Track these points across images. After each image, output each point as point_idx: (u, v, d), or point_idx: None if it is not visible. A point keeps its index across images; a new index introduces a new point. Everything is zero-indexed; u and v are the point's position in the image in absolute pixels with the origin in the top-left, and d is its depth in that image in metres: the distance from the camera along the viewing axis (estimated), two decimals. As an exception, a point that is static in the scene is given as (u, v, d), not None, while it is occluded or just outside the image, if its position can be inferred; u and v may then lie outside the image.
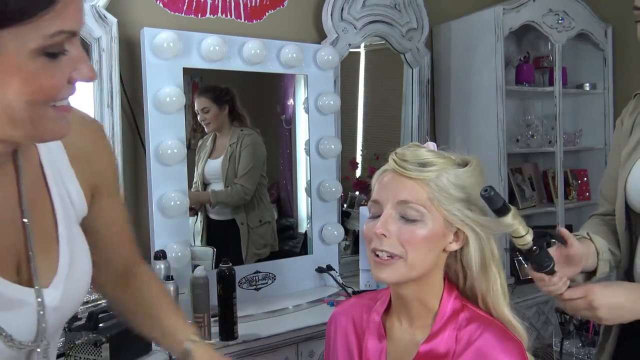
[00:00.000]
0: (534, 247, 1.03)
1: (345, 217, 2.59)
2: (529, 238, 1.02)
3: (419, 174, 0.96)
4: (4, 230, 0.73)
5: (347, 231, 2.51)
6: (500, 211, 0.96)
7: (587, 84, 3.09)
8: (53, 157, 0.80)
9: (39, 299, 0.74)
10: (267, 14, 2.37)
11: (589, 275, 1.32)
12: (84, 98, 1.88)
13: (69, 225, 0.80)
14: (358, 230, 2.55)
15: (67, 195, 0.81)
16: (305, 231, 2.35)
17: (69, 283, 0.78)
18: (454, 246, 1.00)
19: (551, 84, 2.91)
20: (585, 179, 3.20)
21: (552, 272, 1.09)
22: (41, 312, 0.74)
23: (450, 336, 0.97)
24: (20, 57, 0.60)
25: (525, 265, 1.15)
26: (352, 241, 2.61)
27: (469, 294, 1.03)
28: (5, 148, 0.70)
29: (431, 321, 1.00)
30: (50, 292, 0.76)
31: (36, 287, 0.74)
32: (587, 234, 1.30)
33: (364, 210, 2.19)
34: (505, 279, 1.02)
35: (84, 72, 0.66)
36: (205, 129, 2.27)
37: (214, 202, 2.25)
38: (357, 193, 2.69)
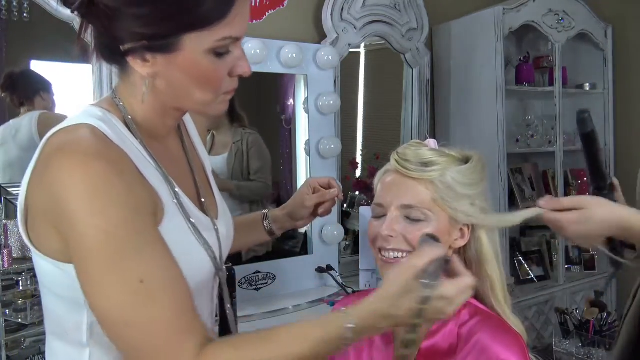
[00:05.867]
0: None
1: (345, 217, 2.59)
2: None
3: (422, 174, 0.97)
4: (185, 177, 0.94)
5: (347, 231, 2.51)
6: (587, 137, 1.06)
7: (587, 84, 3.09)
8: (196, 136, 1.05)
9: (216, 227, 0.93)
10: (267, 14, 2.36)
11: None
12: (84, 97, 1.88)
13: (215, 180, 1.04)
14: (358, 230, 2.55)
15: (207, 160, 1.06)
16: (305, 231, 2.35)
17: (225, 219, 0.99)
18: (460, 242, 1.00)
19: (551, 84, 2.91)
20: (585, 179, 3.19)
21: None
22: (218, 237, 0.93)
23: (451, 331, 0.97)
24: (196, 54, 0.78)
25: None
26: (352, 241, 2.61)
27: None
28: (179, 117, 0.93)
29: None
30: (220, 222, 0.96)
31: (210, 217, 0.94)
32: None
33: (364, 210, 2.19)
34: (505, 278, 1.02)
35: (242, 68, 0.84)
36: None
37: (236, 193, 2.27)
38: (357, 193, 2.69)
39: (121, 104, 0.85)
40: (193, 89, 0.82)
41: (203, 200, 0.95)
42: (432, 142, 1.02)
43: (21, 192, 0.80)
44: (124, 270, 0.72)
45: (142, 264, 0.73)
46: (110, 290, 0.72)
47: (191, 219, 0.86)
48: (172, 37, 0.77)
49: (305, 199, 1.21)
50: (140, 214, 0.75)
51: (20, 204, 0.80)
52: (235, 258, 2.12)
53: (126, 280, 0.72)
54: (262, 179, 2.33)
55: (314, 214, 1.22)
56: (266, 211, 1.25)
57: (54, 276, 0.79)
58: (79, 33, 0.81)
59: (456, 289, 0.78)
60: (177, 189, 0.86)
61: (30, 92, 1.86)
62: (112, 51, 0.80)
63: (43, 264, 0.80)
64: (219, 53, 0.80)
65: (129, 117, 0.85)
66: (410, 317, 0.77)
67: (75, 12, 0.77)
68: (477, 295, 1.02)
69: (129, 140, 0.82)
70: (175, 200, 0.84)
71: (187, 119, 1.04)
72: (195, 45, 0.78)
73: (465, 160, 1.01)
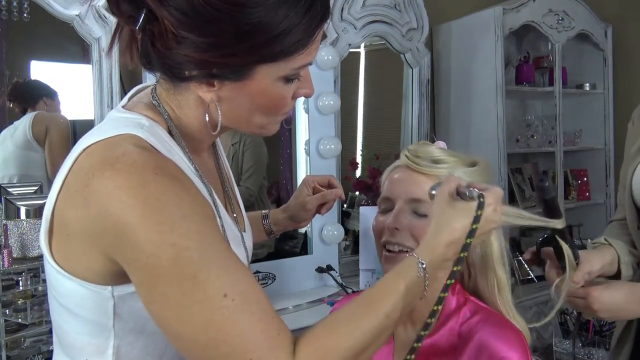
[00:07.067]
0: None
1: (345, 217, 2.59)
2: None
3: (431, 170, 0.99)
4: (218, 191, 0.91)
5: (347, 231, 2.51)
6: (550, 203, 0.98)
7: (587, 84, 3.09)
8: (222, 148, 1.03)
9: (244, 244, 0.92)
10: (267, 14, 2.36)
11: (615, 278, 1.30)
12: (84, 98, 1.88)
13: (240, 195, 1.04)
14: (358, 230, 2.55)
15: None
16: (305, 231, 2.35)
17: (249, 234, 0.98)
18: None
19: (551, 84, 2.91)
20: (585, 179, 3.20)
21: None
22: (247, 254, 0.92)
23: (452, 329, 0.97)
24: (266, 82, 0.75)
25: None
26: (352, 241, 2.61)
27: (472, 290, 1.04)
28: (223, 133, 0.87)
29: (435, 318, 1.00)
30: (247, 236, 0.95)
31: (240, 228, 0.93)
32: (605, 239, 1.27)
33: (364, 210, 2.19)
34: (508, 277, 1.02)
35: (306, 90, 0.82)
36: None
37: None
38: (357, 193, 2.69)
39: (166, 114, 0.80)
40: (256, 113, 0.79)
41: (235, 215, 0.94)
42: (441, 143, 1.06)
43: (47, 206, 0.74)
44: (206, 286, 0.66)
45: (222, 276, 0.68)
46: (194, 309, 0.66)
47: (227, 234, 0.83)
48: (249, 67, 0.73)
49: (307, 202, 1.20)
50: (208, 223, 0.71)
51: (45, 219, 0.74)
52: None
53: (210, 295, 0.66)
54: (246, 185, 2.30)
55: (316, 213, 1.23)
56: (266, 211, 1.24)
57: (80, 298, 0.75)
58: (112, 37, 0.76)
59: (491, 194, 0.80)
60: (217, 202, 0.84)
61: (33, 98, 1.88)
62: (171, 71, 0.75)
63: (67, 284, 0.74)
64: (289, 79, 0.77)
65: (175, 129, 0.80)
66: (466, 236, 0.78)
67: (133, 27, 0.71)
68: (480, 296, 1.02)
69: (176, 152, 0.78)
70: (216, 213, 0.81)
71: None
72: (269, 73, 0.75)
73: (472, 165, 1.03)
